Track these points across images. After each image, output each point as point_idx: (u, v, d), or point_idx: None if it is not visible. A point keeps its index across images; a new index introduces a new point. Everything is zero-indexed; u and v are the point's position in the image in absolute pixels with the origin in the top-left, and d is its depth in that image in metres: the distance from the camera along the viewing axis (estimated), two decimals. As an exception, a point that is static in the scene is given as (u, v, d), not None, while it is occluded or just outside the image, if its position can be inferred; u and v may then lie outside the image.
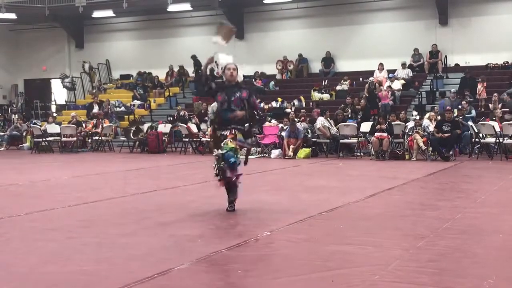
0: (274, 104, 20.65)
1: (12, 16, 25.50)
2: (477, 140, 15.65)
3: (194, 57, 23.00)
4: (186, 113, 20.48)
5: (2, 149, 20.57)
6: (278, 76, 23.47)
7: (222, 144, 6.90)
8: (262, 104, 19.90)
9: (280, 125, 17.45)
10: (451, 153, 14.89)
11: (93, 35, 27.48)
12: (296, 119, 17.26)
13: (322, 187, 9.87)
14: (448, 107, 16.09)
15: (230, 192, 7.10)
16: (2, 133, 22.28)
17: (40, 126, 20.48)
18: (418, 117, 16.63)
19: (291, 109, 19.77)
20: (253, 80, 22.56)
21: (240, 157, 6.99)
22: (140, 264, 4.84)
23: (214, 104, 7.50)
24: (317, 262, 4.85)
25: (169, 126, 19.37)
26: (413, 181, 10.64)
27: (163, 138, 18.90)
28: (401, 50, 21.54)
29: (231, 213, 7.02)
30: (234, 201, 7.12)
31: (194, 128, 18.55)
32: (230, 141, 6.86)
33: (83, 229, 6.27)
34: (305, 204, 7.98)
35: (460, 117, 16.23)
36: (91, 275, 4.51)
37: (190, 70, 24.18)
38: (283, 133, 16.51)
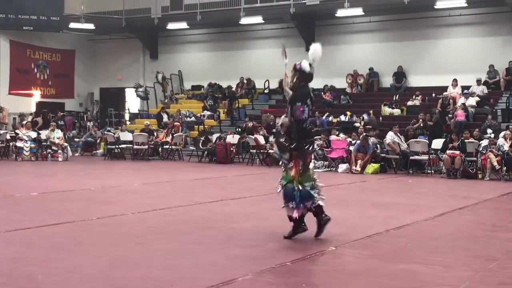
0: (343, 118, 20.49)
1: (91, 26, 26.43)
2: (555, 161, 15.03)
3: None
4: (255, 124, 20.61)
5: (77, 154, 21.26)
6: (348, 90, 23.30)
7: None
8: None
9: (349, 139, 17.29)
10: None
11: (167, 46, 28.13)
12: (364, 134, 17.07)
13: (390, 203, 9.71)
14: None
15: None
16: (77, 139, 23.06)
17: (114, 133, 21.08)
18: (492, 136, 16.12)
19: (360, 123, 19.57)
20: (323, 93, 22.48)
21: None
22: (205, 272, 4.89)
23: (283, 117, 6.79)
24: (383, 280, 4.77)
25: (237, 137, 19.56)
26: (486, 201, 10.32)
27: (231, 148, 19.08)
28: (476, 66, 20.96)
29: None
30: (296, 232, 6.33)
31: (261, 140, 18.64)
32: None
33: (151, 236, 6.40)
34: (372, 220, 7.88)
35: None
36: (157, 281, 4.60)
37: (261, 82, 24.37)
38: (351, 148, 16.36)
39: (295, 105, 6.16)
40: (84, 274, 4.76)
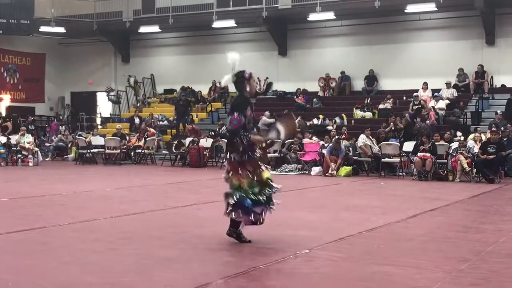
0: (315, 121, 20.60)
1: (61, 30, 26.17)
2: (523, 162, 15.30)
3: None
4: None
5: (48, 159, 21.00)
6: (320, 93, 23.43)
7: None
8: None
9: (321, 142, 17.38)
10: (496, 175, 14.58)
11: (139, 50, 27.97)
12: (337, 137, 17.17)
13: (362, 206, 9.77)
14: (493, 128, 15.80)
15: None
16: (48, 144, 22.79)
17: (85, 138, 20.87)
18: (462, 138, 16.35)
19: (332, 126, 19.70)
20: (295, 96, 22.56)
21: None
22: (179, 277, 4.87)
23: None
24: (357, 282, 4.79)
25: (210, 140, 19.52)
26: (456, 203, 10.45)
27: (204, 152, 19.03)
28: (446, 69, 21.26)
29: (270, 229, 6.97)
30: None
31: (235, 144, 18.60)
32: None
33: (124, 241, 6.34)
34: (345, 222, 7.92)
35: (504, 139, 15.89)
36: (130, 286, 4.55)
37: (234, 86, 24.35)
38: (324, 150, 16.45)
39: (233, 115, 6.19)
40: (56, 280, 4.70)
